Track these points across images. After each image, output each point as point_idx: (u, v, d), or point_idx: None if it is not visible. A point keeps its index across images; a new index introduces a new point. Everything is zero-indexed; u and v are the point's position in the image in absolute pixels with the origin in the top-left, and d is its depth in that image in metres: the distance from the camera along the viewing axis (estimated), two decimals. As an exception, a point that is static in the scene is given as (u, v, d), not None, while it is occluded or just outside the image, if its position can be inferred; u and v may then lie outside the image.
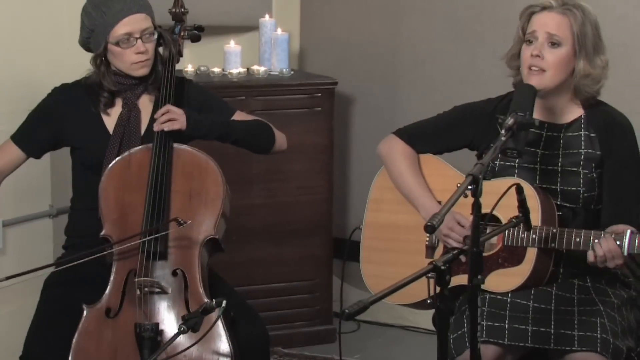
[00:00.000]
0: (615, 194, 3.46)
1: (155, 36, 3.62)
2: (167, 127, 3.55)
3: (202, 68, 4.92)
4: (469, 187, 2.89)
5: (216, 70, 4.91)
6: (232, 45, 4.95)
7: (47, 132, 3.69)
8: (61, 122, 3.68)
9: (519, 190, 3.12)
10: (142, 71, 3.63)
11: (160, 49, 3.69)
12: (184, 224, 3.43)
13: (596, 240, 3.30)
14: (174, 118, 3.57)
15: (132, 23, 3.55)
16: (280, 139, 3.83)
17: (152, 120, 3.62)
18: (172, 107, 3.60)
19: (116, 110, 3.68)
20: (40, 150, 3.74)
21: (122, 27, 3.55)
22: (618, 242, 3.27)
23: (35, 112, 3.72)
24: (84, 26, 3.62)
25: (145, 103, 3.69)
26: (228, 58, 4.93)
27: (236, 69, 4.90)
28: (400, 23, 5.24)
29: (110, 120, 3.67)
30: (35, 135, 3.70)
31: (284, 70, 4.98)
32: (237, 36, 5.10)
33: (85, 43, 3.66)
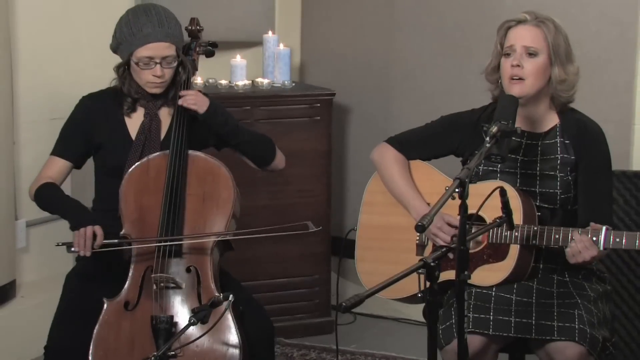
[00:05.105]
0: (590, 196, 3.47)
1: (175, 64, 3.60)
2: (190, 105, 3.58)
3: (210, 80, 4.94)
4: (456, 189, 2.89)
5: (223, 82, 4.91)
6: (238, 59, 4.96)
7: (81, 138, 3.67)
8: (91, 127, 3.66)
9: (503, 192, 3.13)
10: (155, 90, 3.62)
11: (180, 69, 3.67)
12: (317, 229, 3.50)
13: (572, 237, 3.32)
14: (199, 103, 3.60)
15: (156, 49, 3.54)
16: (280, 157, 3.82)
17: (170, 129, 3.63)
18: (199, 93, 3.64)
19: (138, 117, 3.67)
20: (79, 158, 3.71)
21: (145, 51, 3.54)
22: (594, 238, 3.28)
23: (68, 123, 3.70)
24: (115, 35, 3.61)
25: (164, 114, 3.69)
26: (234, 71, 4.94)
27: (242, 81, 4.91)
28: (393, 39, 5.25)
29: (132, 127, 3.67)
30: (71, 143, 3.67)
31: (286, 82, 4.98)
32: (243, 51, 5.10)
33: (114, 50, 3.65)
